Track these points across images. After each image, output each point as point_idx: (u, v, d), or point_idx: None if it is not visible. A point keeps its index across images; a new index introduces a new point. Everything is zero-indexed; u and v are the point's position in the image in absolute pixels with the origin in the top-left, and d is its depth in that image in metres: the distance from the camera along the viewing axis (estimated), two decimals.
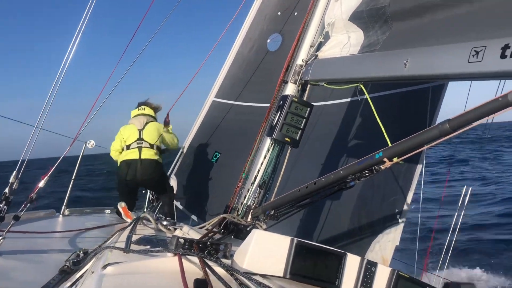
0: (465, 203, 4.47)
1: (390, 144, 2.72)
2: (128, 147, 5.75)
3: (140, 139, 5.78)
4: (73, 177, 5.63)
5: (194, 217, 6.80)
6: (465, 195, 4.43)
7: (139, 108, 6.15)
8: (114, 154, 5.96)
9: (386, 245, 4.06)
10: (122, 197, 5.63)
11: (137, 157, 5.68)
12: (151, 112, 6.16)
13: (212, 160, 7.12)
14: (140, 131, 5.82)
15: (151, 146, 5.80)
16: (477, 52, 2.33)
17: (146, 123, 5.93)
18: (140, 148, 5.72)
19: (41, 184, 3.24)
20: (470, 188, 4.67)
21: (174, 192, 6.81)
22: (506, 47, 2.21)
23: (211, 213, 6.54)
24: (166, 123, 6.49)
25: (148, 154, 5.75)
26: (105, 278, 1.69)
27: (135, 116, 6.08)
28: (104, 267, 1.78)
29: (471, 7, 2.65)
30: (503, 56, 2.20)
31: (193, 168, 7.48)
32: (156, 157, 5.91)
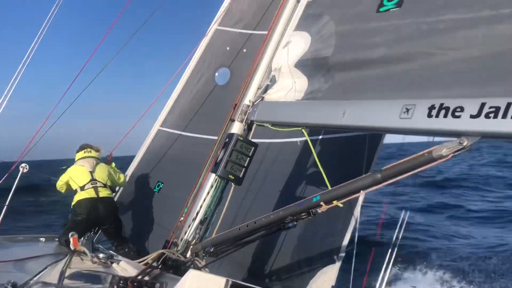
0: (402, 228, 4.63)
1: (329, 187, 2.87)
2: (82, 188, 5.71)
3: (93, 179, 5.80)
4: (6, 203, 5.37)
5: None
6: (402, 221, 4.62)
7: (85, 150, 6.15)
8: (60, 185, 5.99)
9: (322, 284, 4.16)
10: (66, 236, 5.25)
11: (95, 196, 5.67)
12: (96, 154, 6.21)
13: (155, 190, 7.03)
14: (91, 172, 5.86)
15: (104, 185, 5.85)
16: (407, 110, 2.55)
17: (96, 165, 6.01)
18: (95, 188, 5.72)
19: None
20: (408, 212, 4.89)
21: None
22: (432, 107, 2.43)
23: (151, 245, 6.41)
24: (109, 162, 6.62)
25: (105, 193, 5.80)
26: None
27: (82, 158, 6.08)
28: None
29: (408, 66, 2.89)
30: (429, 115, 2.43)
31: (134, 197, 7.32)
32: (112, 196, 6.05)
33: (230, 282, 2.05)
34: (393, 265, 3.99)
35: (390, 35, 3.01)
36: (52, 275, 2.58)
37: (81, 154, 6.15)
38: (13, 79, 3.42)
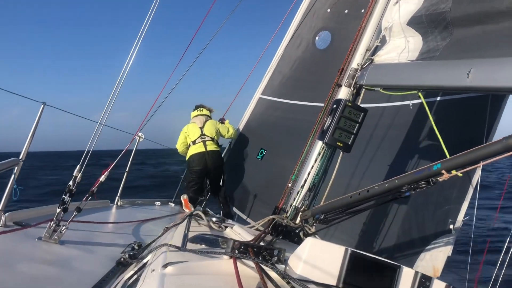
0: None
1: (447, 155, 2.66)
2: (194, 142, 6.72)
3: (203, 134, 6.76)
4: (127, 170, 5.85)
5: (241, 214, 6.91)
6: None
7: (198, 109, 7.13)
8: (180, 148, 6.97)
9: (437, 255, 3.95)
10: (188, 190, 6.56)
11: (203, 150, 6.66)
12: (207, 112, 7.14)
13: (258, 157, 7.17)
14: (201, 128, 6.82)
15: (212, 139, 6.80)
16: None
17: (205, 121, 6.92)
18: (204, 142, 6.70)
19: (102, 178, 3.39)
20: None
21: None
22: None
23: (254, 210, 6.63)
24: (222, 121, 7.54)
25: (213, 146, 6.77)
26: (166, 278, 1.76)
27: (195, 116, 7.06)
28: (165, 266, 1.85)
29: None
30: None
31: (238, 163, 7.57)
32: (219, 148, 6.94)
33: (349, 251, 2.00)
34: None
35: None
36: (175, 238, 2.73)
37: (194, 113, 7.13)
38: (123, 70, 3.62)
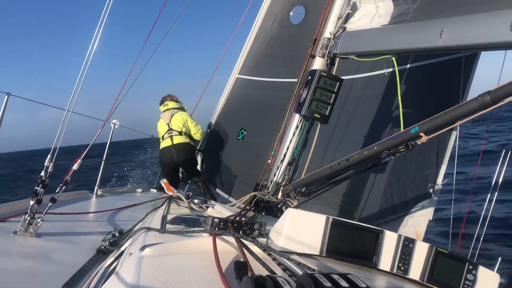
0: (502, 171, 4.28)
1: (402, 127, 2.65)
2: (162, 138, 6.85)
3: (170, 129, 6.81)
4: (103, 158, 5.72)
5: (223, 194, 6.90)
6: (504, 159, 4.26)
7: (163, 105, 7.09)
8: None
9: (419, 219, 3.98)
10: (165, 176, 6.50)
11: (170, 144, 6.73)
12: (174, 104, 7.06)
13: (238, 138, 7.11)
14: (168, 124, 6.86)
15: (180, 132, 6.79)
16: None
17: (172, 115, 6.91)
18: (171, 137, 6.76)
19: (75, 167, 3.28)
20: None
21: (199, 168, 7.32)
22: None
23: (237, 189, 6.60)
24: None
25: (179, 139, 6.77)
26: (144, 260, 1.69)
27: (163, 112, 7.05)
28: (142, 248, 1.78)
29: None
30: None
31: (219, 145, 7.51)
32: (187, 140, 6.84)
33: (330, 219, 1.97)
34: None
35: None
36: (154, 221, 2.67)
37: (161, 108, 7.09)
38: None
